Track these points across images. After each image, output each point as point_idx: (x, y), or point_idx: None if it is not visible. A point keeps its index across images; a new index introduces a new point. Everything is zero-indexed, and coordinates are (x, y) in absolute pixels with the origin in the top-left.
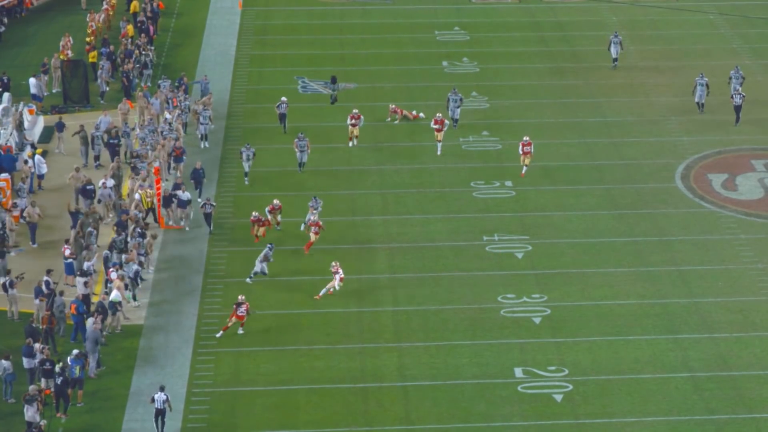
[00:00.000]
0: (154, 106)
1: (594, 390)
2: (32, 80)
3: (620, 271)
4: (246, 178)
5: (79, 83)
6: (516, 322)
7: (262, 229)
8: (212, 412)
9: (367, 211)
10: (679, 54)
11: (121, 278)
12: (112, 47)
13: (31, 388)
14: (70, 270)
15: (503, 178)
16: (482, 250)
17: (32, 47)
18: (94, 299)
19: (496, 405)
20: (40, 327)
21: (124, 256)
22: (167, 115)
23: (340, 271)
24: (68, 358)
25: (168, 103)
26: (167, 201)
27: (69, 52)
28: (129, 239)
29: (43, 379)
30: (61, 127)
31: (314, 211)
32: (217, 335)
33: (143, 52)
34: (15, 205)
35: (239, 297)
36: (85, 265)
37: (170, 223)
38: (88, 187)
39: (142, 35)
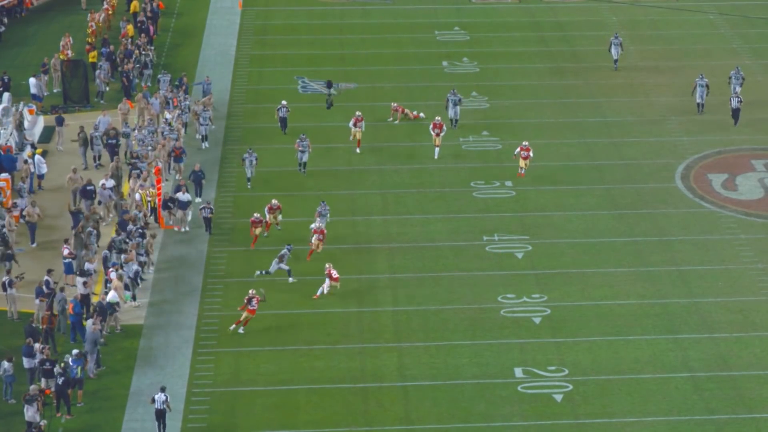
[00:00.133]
0: (154, 107)
1: (594, 390)
2: (32, 80)
3: (620, 271)
4: (249, 183)
5: (79, 83)
6: (516, 322)
7: (259, 230)
8: (212, 412)
9: (367, 211)
10: (679, 54)
11: (120, 278)
12: (112, 47)
13: (32, 388)
14: (69, 269)
15: (503, 178)
16: (482, 250)
17: (32, 47)
18: (94, 299)
19: (496, 405)
20: (40, 327)
21: (123, 257)
22: (167, 115)
23: (333, 272)
24: (69, 359)
25: (168, 103)
26: (166, 204)
27: (69, 52)
28: (129, 239)
29: (43, 379)
30: (60, 121)
31: (321, 218)
32: (231, 328)
33: (143, 52)
34: (15, 205)
35: (250, 291)
36: (86, 265)
37: (170, 223)
38: (88, 188)
39: (142, 35)
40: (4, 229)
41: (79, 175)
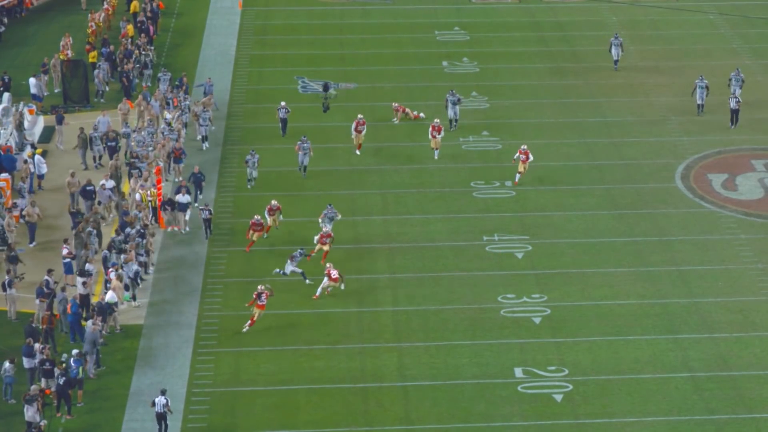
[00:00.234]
0: (154, 108)
1: (594, 390)
2: (32, 80)
3: (620, 271)
4: (250, 183)
5: (79, 83)
6: (516, 322)
7: (257, 234)
8: (212, 413)
9: (367, 211)
10: (679, 54)
11: (120, 278)
12: (112, 47)
13: (32, 388)
14: (68, 269)
15: (503, 178)
16: (482, 250)
17: (32, 47)
18: (95, 299)
19: (496, 405)
20: (40, 327)
21: (123, 257)
22: (167, 116)
23: (333, 272)
24: (70, 360)
25: (168, 103)
26: (164, 207)
27: (69, 52)
28: (128, 240)
29: (43, 379)
30: (60, 119)
31: (329, 221)
32: (244, 330)
33: (143, 52)
34: (15, 205)
35: (259, 287)
36: (86, 266)
37: (173, 222)
38: (88, 188)
39: (142, 35)
40: (6, 229)
41: (77, 179)
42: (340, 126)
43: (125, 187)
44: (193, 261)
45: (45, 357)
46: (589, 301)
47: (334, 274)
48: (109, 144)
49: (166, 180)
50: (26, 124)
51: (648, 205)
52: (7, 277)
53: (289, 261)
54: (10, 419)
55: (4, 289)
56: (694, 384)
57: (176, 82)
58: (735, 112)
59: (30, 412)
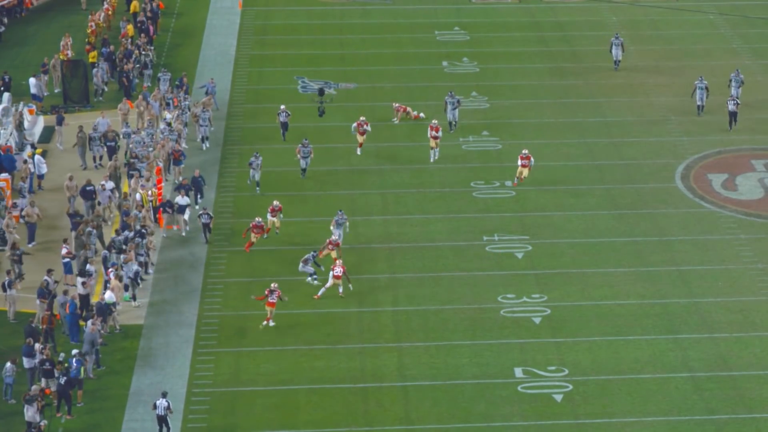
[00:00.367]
0: (154, 108)
1: (594, 390)
2: (32, 80)
3: (620, 271)
4: (258, 188)
5: (79, 83)
6: (516, 322)
7: (256, 236)
8: (212, 413)
9: (367, 211)
10: (679, 54)
11: (119, 279)
12: (112, 47)
13: (33, 388)
14: (68, 269)
15: (503, 178)
16: (482, 250)
17: (32, 47)
18: (95, 299)
19: (496, 405)
20: (40, 327)
21: (122, 257)
22: (167, 116)
23: (337, 269)
24: (72, 360)
25: (168, 103)
26: (164, 209)
27: (69, 52)
28: (128, 241)
29: (43, 379)
30: (60, 120)
31: (338, 227)
32: (261, 326)
33: (143, 52)
34: (15, 205)
35: (272, 285)
36: (87, 266)
37: (174, 223)
38: (87, 188)
39: (142, 35)
40: (5, 230)
41: (75, 182)
42: (339, 126)
43: (125, 188)
44: (193, 261)
45: (45, 357)
46: (589, 301)
47: (338, 271)
48: (108, 144)
49: (166, 180)
50: (26, 124)
51: (648, 205)
52: (7, 278)
53: (302, 264)
54: (10, 419)
55: (4, 290)
56: (694, 384)
57: (176, 82)
58: (733, 115)
59: (30, 412)
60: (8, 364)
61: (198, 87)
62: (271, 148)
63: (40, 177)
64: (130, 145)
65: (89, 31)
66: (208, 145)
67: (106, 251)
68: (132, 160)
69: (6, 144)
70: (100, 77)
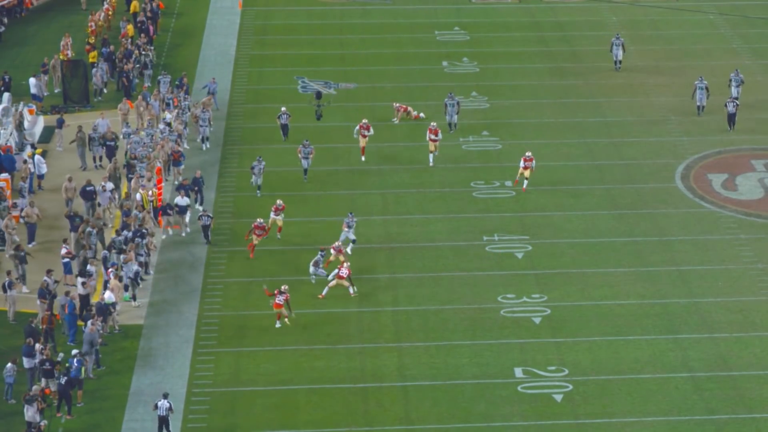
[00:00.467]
0: (154, 108)
1: (594, 390)
2: (32, 80)
3: (620, 271)
4: (258, 192)
5: (79, 83)
6: (516, 322)
7: (257, 240)
8: (212, 413)
9: (367, 211)
10: (679, 54)
11: (118, 278)
12: (112, 47)
13: (34, 388)
14: (67, 269)
15: (503, 178)
16: (482, 250)
17: (32, 47)
18: (95, 299)
19: (496, 405)
20: (40, 327)
21: (122, 257)
22: (167, 116)
23: (343, 270)
24: (73, 360)
25: (167, 104)
26: (165, 211)
27: (69, 52)
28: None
29: (43, 379)
30: (61, 123)
31: (348, 229)
32: (277, 325)
33: (143, 52)
34: (15, 205)
35: (283, 287)
36: (88, 267)
37: (170, 224)
38: (88, 188)
39: (142, 35)
40: (5, 230)
41: (74, 184)
42: (339, 126)
43: (124, 189)
44: (193, 261)
45: (45, 357)
46: (589, 301)
47: (344, 272)
48: (107, 144)
49: (166, 180)
50: (26, 124)
51: (648, 205)
52: (7, 279)
53: (313, 267)
54: (10, 419)
55: (5, 291)
56: (694, 384)
57: (176, 82)
58: (732, 116)
59: (30, 412)
60: (9, 365)
61: (200, 87)
62: (272, 148)
63: (40, 177)
64: (128, 146)
65: (89, 31)
66: (208, 146)
67: (106, 251)
68: (132, 161)
69: (6, 144)
70: (100, 77)
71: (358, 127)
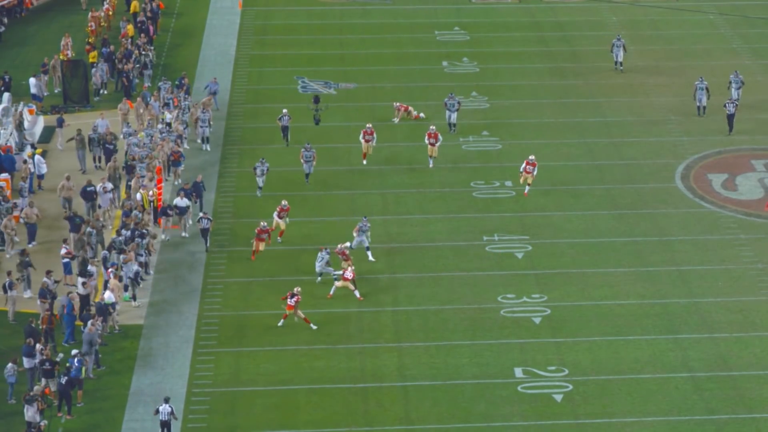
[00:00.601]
0: (154, 108)
1: (594, 390)
2: (32, 80)
3: (620, 271)
4: (259, 192)
5: (79, 83)
6: (516, 322)
7: (263, 244)
8: (212, 413)
9: (367, 211)
10: (679, 54)
11: (118, 278)
12: (112, 47)
13: (36, 388)
14: (67, 269)
15: (503, 178)
16: (482, 250)
17: (32, 47)
18: (96, 299)
19: (496, 405)
20: (40, 327)
21: (122, 257)
22: (168, 116)
23: (348, 272)
24: (74, 360)
25: (167, 104)
26: (165, 212)
27: (69, 52)
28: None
29: (43, 379)
30: (61, 122)
31: (360, 233)
32: (279, 324)
33: (143, 52)
34: (15, 205)
35: (295, 288)
36: (89, 267)
37: (169, 224)
38: (88, 189)
39: (142, 35)
40: (5, 231)
41: (72, 183)
42: (339, 126)
43: (123, 190)
44: (192, 261)
45: (45, 357)
46: (589, 301)
47: (348, 274)
48: (106, 146)
49: (166, 179)
50: (26, 124)
51: (648, 205)
52: (8, 279)
53: (324, 265)
54: (10, 419)
55: (5, 291)
56: (694, 384)
57: (176, 82)
58: (731, 118)
59: (30, 413)
60: (9, 365)
61: (203, 88)
62: (272, 148)
63: (40, 177)
64: (127, 147)
65: (89, 31)
66: (208, 148)
67: (106, 251)
68: (132, 162)
69: (6, 144)
70: (99, 77)
71: (362, 133)
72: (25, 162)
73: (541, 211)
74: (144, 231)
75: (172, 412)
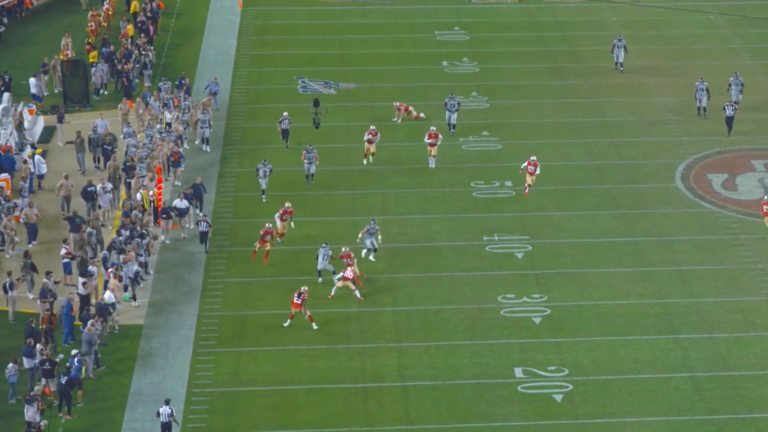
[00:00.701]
0: (154, 108)
1: (594, 390)
2: (32, 80)
3: (620, 271)
4: (263, 196)
5: (79, 83)
6: (516, 322)
7: (268, 246)
8: (212, 412)
9: (367, 211)
10: (679, 54)
11: (118, 278)
12: (112, 47)
13: (36, 388)
14: (67, 269)
15: (503, 178)
16: (482, 250)
17: (32, 47)
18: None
19: (496, 405)
20: (40, 327)
21: (122, 257)
22: (168, 116)
23: (348, 271)
24: (74, 359)
25: (166, 104)
26: (166, 213)
27: (69, 52)
28: (129, 241)
29: (43, 379)
30: (60, 117)
31: (369, 236)
32: (286, 324)
33: (143, 52)
34: (15, 206)
35: (302, 288)
36: (90, 267)
37: (170, 224)
38: (89, 188)
39: (142, 35)
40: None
41: (71, 182)
42: (339, 126)
43: (122, 193)
44: (192, 261)
45: (45, 357)
46: (589, 301)
47: (348, 274)
48: (104, 147)
49: (166, 179)
50: (26, 124)
51: (648, 205)
52: (8, 279)
53: (324, 261)
54: (10, 419)
55: (6, 291)
56: (694, 384)
57: (176, 82)
58: (730, 120)
59: (30, 412)
60: (10, 365)
61: (203, 89)
62: (272, 148)
63: (40, 177)
64: (126, 147)
65: (89, 30)
66: (208, 149)
67: (106, 251)
68: (131, 163)
69: (6, 144)
70: (99, 77)
71: (366, 134)
72: (25, 162)
73: (541, 211)
74: (144, 231)
75: (172, 414)
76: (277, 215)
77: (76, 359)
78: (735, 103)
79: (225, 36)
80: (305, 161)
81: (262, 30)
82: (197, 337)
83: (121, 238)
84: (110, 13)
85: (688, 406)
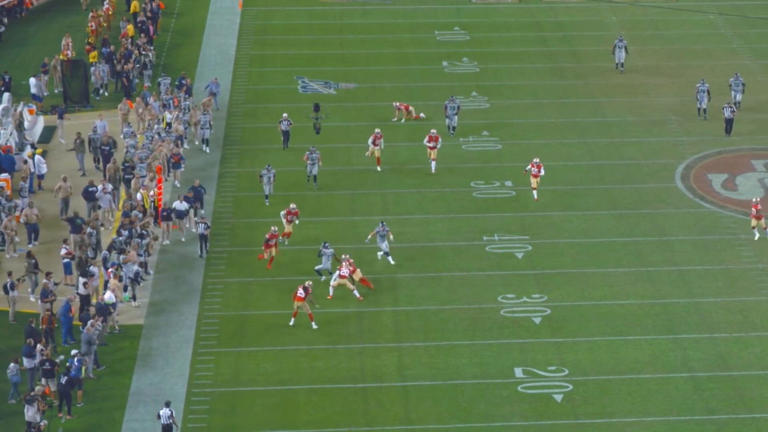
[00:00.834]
0: (154, 108)
1: (594, 390)
2: (32, 80)
3: (620, 271)
4: (266, 200)
5: (79, 83)
6: (516, 322)
7: (274, 250)
8: (212, 413)
9: (367, 211)
10: (679, 54)
11: (118, 278)
12: (112, 47)
13: (37, 388)
14: (68, 269)
15: (503, 178)
16: (482, 250)
17: (32, 47)
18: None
19: (496, 405)
20: (40, 327)
21: (122, 257)
22: (168, 116)
23: (344, 269)
24: (74, 359)
25: (166, 104)
26: (166, 215)
27: (69, 52)
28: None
29: (43, 379)
30: (61, 113)
31: (380, 238)
32: (291, 323)
33: (143, 52)
34: (16, 206)
35: (307, 282)
36: (90, 267)
37: (170, 225)
38: (90, 189)
39: (142, 35)
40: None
41: (69, 183)
42: (339, 126)
43: (122, 194)
44: (192, 261)
45: (45, 357)
46: (589, 301)
47: (344, 272)
48: (103, 148)
49: (166, 179)
50: (26, 124)
51: (648, 205)
52: (8, 279)
53: (327, 264)
54: (10, 419)
55: (6, 291)
56: (694, 384)
57: (176, 82)
58: (729, 121)
59: (30, 413)
60: (12, 365)
61: (203, 89)
62: (272, 149)
63: (40, 177)
64: (126, 148)
65: (89, 31)
66: (208, 150)
67: (106, 251)
68: (131, 163)
69: (6, 144)
70: (99, 77)
71: (372, 138)
72: (25, 162)
73: (541, 211)
74: (144, 232)
75: (172, 416)
76: (282, 214)
77: (75, 359)
78: (735, 104)
79: (225, 36)
80: (308, 162)
81: (262, 30)
82: (197, 337)
83: (121, 238)
84: (110, 13)
85: (688, 406)
